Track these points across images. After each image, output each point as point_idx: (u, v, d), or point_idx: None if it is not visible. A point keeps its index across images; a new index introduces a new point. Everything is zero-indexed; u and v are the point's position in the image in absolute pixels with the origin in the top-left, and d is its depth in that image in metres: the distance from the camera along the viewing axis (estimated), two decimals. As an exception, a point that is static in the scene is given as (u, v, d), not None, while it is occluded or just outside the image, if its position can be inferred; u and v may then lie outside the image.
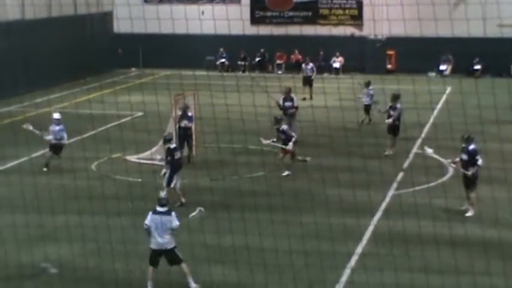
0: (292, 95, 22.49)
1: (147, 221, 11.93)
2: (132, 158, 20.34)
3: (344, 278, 12.57)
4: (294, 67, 36.62)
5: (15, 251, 13.51)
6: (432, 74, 36.67)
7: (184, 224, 12.27)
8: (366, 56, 37.96)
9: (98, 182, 17.97)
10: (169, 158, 16.38)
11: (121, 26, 36.46)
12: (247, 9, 39.23)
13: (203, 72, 35.05)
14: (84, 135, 22.82)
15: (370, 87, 24.98)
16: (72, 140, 21.61)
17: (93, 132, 23.33)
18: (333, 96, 24.94)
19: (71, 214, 15.18)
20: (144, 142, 20.23)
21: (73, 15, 36.42)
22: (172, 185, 16.22)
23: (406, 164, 19.83)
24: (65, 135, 19.71)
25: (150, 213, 11.99)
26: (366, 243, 14.20)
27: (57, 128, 19.56)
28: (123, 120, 25.66)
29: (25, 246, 13.80)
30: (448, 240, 13.77)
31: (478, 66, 36.84)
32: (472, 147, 15.77)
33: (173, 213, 11.99)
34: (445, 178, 18.75)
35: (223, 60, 39.56)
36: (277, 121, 18.96)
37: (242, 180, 18.42)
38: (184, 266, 12.02)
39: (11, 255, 13.31)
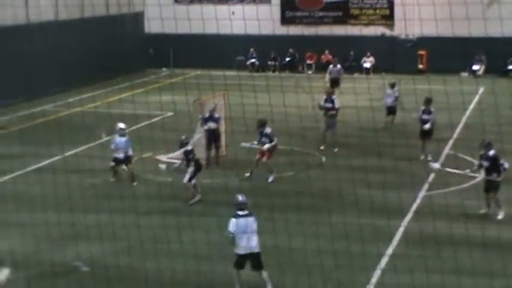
0: (334, 96, 22.42)
1: (231, 228, 11.69)
2: (163, 158, 20.45)
3: (374, 280, 12.50)
4: (324, 67, 36.49)
5: (48, 249, 13.69)
6: (465, 74, 36.26)
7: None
8: (397, 56, 37.68)
9: (128, 182, 18.13)
10: (191, 156, 16.79)
11: (152, 26, 36.75)
12: (278, 9, 39.22)
13: (233, 73, 35.13)
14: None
15: (395, 88, 24.60)
16: (103, 140, 21.82)
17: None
18: (363, 96, 24.81)
19: (102, 213, 15.33)
20: (174, 142, 20.31)
21: (105, 15, 36.75)
22: (192, 182, 16.51)
23: (437, 165, 19.63)
24: (130, 148, 18.34)
25: (233, 219, 11.74)
26: (396, 244, 14.10)
27: (124, 139, 18.21)
28: (153, 119, 25.83)
29: (57, 245, 13.98)
30: (481, 242, 13.61)
31: (511, 67, 36.36)
32: (492, 152, 15.60)
33: (253, 215, 11.91)
34: (477, 179, 18.53)
35: (253, 60, 39.60)
36: (261, 124, 18.69)
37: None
38: (265, 273, 11.91)
39: (43, 253, 13.50)
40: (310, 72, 38.33)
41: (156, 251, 13.24)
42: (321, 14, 39.71)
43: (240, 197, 12.00)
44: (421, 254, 13.24)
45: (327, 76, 30.35)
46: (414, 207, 16.40)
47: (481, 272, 12.50)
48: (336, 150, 21.43)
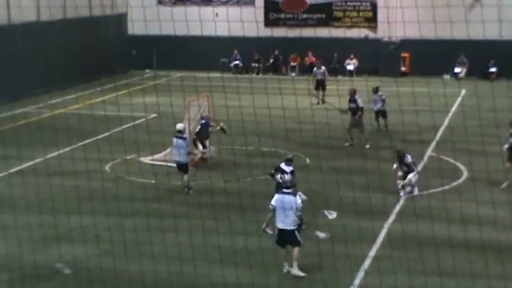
0: (356, 96, 22.59)
1: (273, 201, 12.62)
2: (146, 160, 20.41)
3: (357, 281, 12.54)
4: (308, 69, 36.59)
5: (30, 251, 13.60)
6: (447, 77, 36.49)
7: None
8: (380, 59, 37.85)
9: (112, 184, 18.05)
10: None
11: (135, 27, 36.59)
12: (261, 11, 39.23)
13: (217, 74, 35.10)
14: (99, 137, 22.93)
15: (380, 92, 24.65)
16: (86, 141, 21.74)
17: (107, 134, 23.42)
18: (347, 98, 24.86)
19: (85, 215, 15.24)
20: (158, 144, 20.29)
21: (88, 16, 36.59)
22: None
23: (420, 167, 19.73)
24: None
25: (276, 194, 12.72)
26: (379, 246, 14.16)
27: (184, 143, 17.80)
28: (137, 121, 25.74)
29: (40, 247, 13.89)
30: (463, 244, 13.70)
31: (493, 69, 36.63)
32: None
33: (298, 195, 12.79)
34: (460, 181, 18.66)
35: (237, 62, 39.60)
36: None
37: (256, 182, 18.42)
38: (297, 250, 12.57)
39: (26, 256, 13.40)
40: (293, 74, 38.39)
41: (139, 253, 13.19)
42: (304, 16, 39.80)
43: (286, 177, 13.44)
44: (404, 256, 13.30)
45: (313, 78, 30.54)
46: (397, 208, 16.48)
47: (463, 274, 12.58)
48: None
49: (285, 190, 12.82)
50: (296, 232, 12.61)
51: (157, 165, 19.86)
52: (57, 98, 29.92)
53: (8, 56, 30.20)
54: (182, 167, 17.72)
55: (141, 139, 20.76)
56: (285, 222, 12.53)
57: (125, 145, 19.70)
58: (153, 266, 12.64)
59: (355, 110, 22.59)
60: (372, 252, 13.77)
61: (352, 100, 22.66)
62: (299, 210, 12.65)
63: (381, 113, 24.40)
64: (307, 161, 20.80)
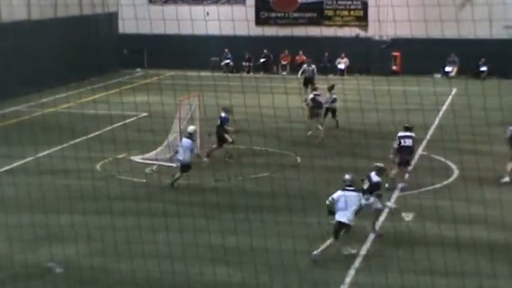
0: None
1: (334, 195, 13.34)
2: (137, 159, 20.37)
3: (348, 279, 12.57)
4: (299, 68, 36.61)
5: (21, 251, 13.55)
6: (438, 76, 36.61)
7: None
8: (371, 57, 37.93)
9: (102, 182, 18.01)
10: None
11: (126, 26, 36.57)
12: (252, 10, 39.25)
13: (208, 73, 35.07)
14: (90, 136, 22.87)
15: (333, 91, 24.64)
16: (77, 140, 21.67)
17: (98, 133, 23.38)
18: (338, 97, 24.90)
19: (76, 214, 15.21)
20: (149, 142, 20.24)
21: (78, 15, 36.46)
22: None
23: (410, 166, 19.79)
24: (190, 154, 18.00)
25: (339, 190, 13.36)
26: (370, 244, 14.18)
27: (190, 144, 17.98)
28: (128, 120, 25.70)
29: (31, 246, 13.84)
30: (454, 242, 13.75)
31: (484, 68, 36.76)
32: None
33: (360, 193, 13.50)
34: (450, 180, 18.72)
35: (228, 61, 39.58)
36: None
37: (247, 180, 18.43)
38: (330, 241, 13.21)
39: (17, 255, 13.35)
40: (284, 73, 38.40)
41: (130, 252, 13.17)
42: (295, 15, 39.81)
43: (347, 176, 13.61)
44: (394, 254, 13.34)
45: (300, 75, 30.66)
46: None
47: (454, 272, 12.62)
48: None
49: (347, 188, 13.41)
50: (350, 228, 13.28)
51: (148, 164, 19.82)
52: (48, 96, 29.83)
53: (-2, 55, 30.08)
54: (183, 167, 17.89)
55: (132, 138, 20.71)
56: (344, 216, 13.15)
57: (116, 144, 19.66)
58: (144, 265, 12.62)
59: (320, 104, 23.40)
60: (363, 251, 13.80)
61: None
62: (359, 207, 13.32)
63: (331, 111, 24.46)
64: (298, 160, 20.82)
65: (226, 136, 20.29)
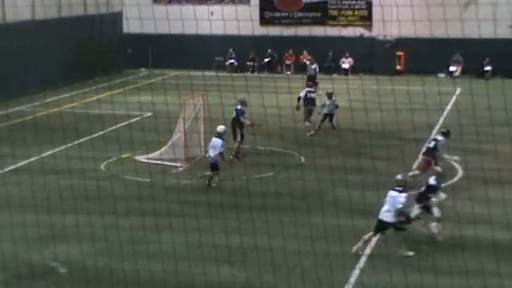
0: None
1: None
2: (141, 158, 20.40)
3: (353, 279, 12.57)
4: (303, 68, 36.61)
5: (25, 250, 13.57)
6: (442, 75, 36.55)
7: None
8: (375, 57, 37.90)
9: (107, 182, 18.04)
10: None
11: (130, 26, 36.55)
12: (257, 10, 39.24)
13: (212, 73, 35.08)
14: (94, 135, 22.90)
15: (333, 98, 24.55)
16: (81, 140, 21.69)
17: (102, 132, 23.41)
18: (342, 97, 24.90)
19: (80, 214, 15.22)
20: (154, 142, 20.28)
21: (83, 15, 36.52)
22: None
23: (415, 165, 19.76)
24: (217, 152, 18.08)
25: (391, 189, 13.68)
26: (374, 244, 14.17)
27: (220, 142, 18.10)
28: (132, 120, 25.73)
29: (35, 246, 13.86)
30: (458, 242, 13.73)
31: (488, 68, 36.71)
32: None
33: (404, 194, 13.53)
34: (454, 180, 18.70)
35: (232, 60, 39.59)
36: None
37: (251, 180, 18.44)
38: (368, 235, 13.55)
39: (21, 254, 13.38)
40: (288, 72, 38.40)
41: (134, 252, 13.18)
42: (300, 14, 39.81)
43: (398, 176, 13.89)
44: (399, 254, 13.33)
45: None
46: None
47: (458, 272, 12.61)
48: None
49: (396, 188, 13.63)
50: (389, 227, 13.46)
51: (153, 163, 19.84)
52: (52, 96, 29.90)
53: (2, 55, 30.12)
54: (212, 164, 18.00)
55: (136, 138, 20.75)
56: (384, 214, 13.47)
57: (120, 144, 19.67)
58: (148, 265, 12.63)
59: (312, 101, 23.84)
60: (367, 250, 13.79)
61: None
62: (399, 207, 13.40)
63: (329, 116, 24.52)
64: (302, 159, 20.82)
65: (238, 130, 20.34)
